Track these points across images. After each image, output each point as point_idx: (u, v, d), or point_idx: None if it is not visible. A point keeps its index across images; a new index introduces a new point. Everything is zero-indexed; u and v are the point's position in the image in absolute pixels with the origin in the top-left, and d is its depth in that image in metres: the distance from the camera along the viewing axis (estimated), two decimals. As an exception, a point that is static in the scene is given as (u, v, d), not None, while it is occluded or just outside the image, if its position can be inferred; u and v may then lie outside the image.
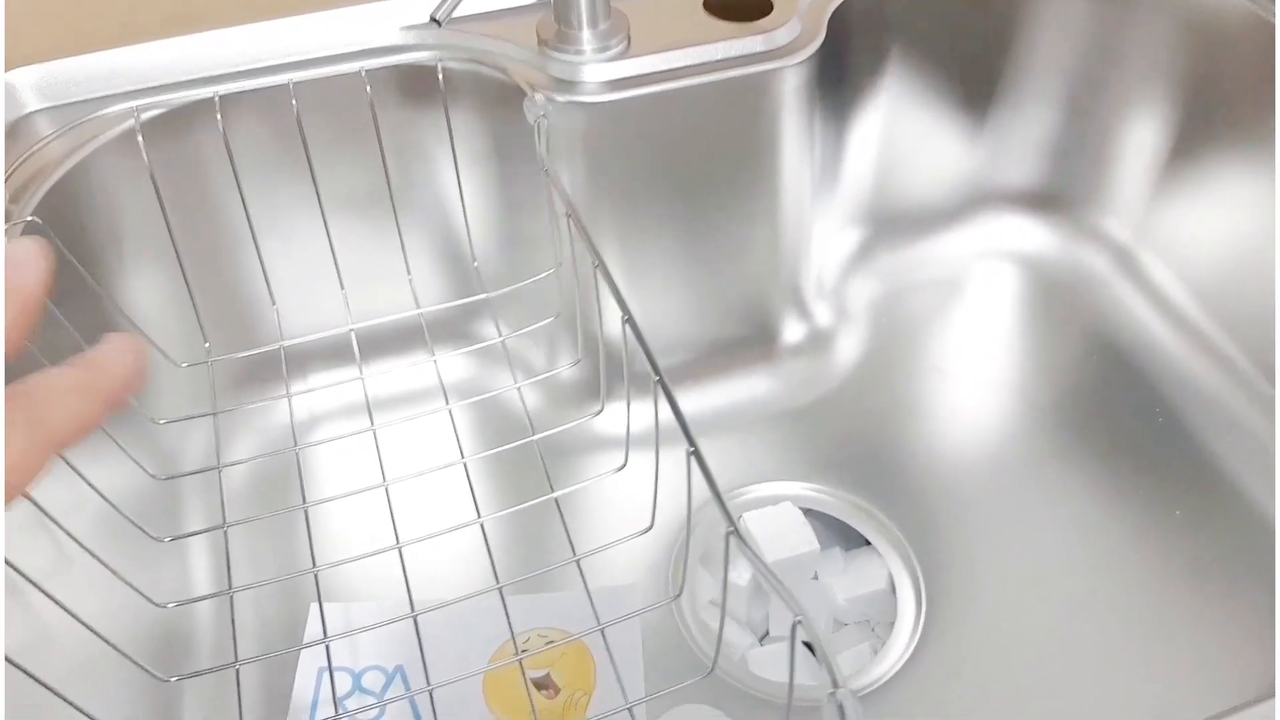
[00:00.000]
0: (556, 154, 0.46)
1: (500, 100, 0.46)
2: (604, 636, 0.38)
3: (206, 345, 0.47)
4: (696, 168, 0.48)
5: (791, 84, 0.47)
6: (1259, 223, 0.49)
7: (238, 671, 0.36)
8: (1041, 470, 0.52)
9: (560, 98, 0.45)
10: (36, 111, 0.44)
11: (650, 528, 0.39)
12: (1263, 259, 0.50)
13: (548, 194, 0.44)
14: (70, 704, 0.27)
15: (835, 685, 0.23)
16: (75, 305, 0.37)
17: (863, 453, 0.53)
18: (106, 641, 0.30)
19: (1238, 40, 0.49)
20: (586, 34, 0.45)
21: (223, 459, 0.48)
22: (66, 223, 0.41)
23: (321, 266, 0.49)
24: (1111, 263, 0.58)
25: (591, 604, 0.39)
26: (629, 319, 0.32)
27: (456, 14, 0.44)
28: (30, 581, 0.28)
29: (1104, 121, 0.55)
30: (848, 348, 0.57)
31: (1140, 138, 0.54)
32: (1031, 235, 0.60)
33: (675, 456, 0.32)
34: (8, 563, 0.28)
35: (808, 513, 0.51)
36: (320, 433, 0.53)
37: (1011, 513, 0.50)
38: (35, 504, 0.30)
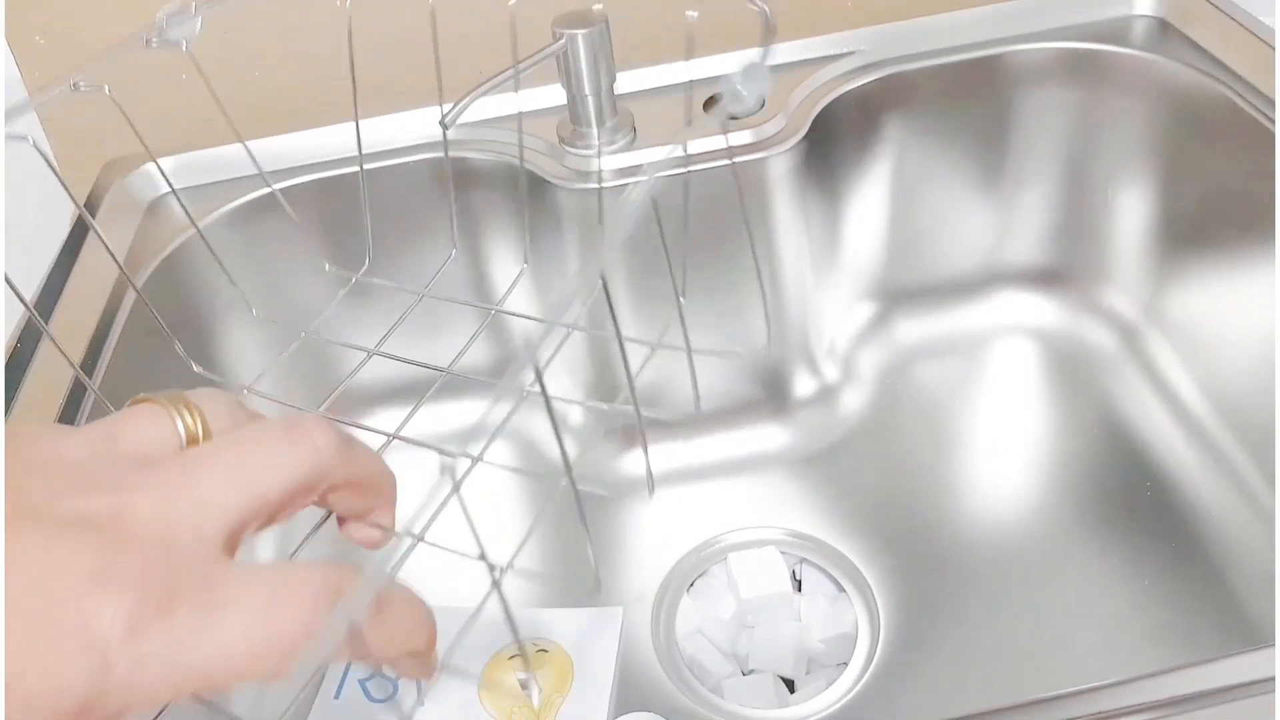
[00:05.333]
0: (577, 236, 0.55)
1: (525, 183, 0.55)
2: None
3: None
4: (701, 241, 0.55)
5: (778, 169, 0.53)
6: (1262, 317, 0.51)
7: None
8: (1027, 534, 0.54)
9: (578, 185, 0.53)
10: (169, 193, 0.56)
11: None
12: (1266, 356, 0.51)
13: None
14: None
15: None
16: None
17: (859, 506, 0.57)
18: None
19: (1213, 122, 0.51)
20: (596, 130, 0.53)
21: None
22: (181, 282, 0.53)
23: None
24: (1119, 342, 0.60)
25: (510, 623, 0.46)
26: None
27: (491, 115, 0.54)
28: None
29: (1099, 199, 0.58)
30: (857, 407, 0.61)
31: (1133, 215, 0.57)
32: (1042, 311, 0.62)
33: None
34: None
35: (802, 560, 0.56)
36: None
37: (986, 567, 0.53)
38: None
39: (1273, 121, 0.49)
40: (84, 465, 0.19)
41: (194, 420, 0.21)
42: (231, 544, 0.20)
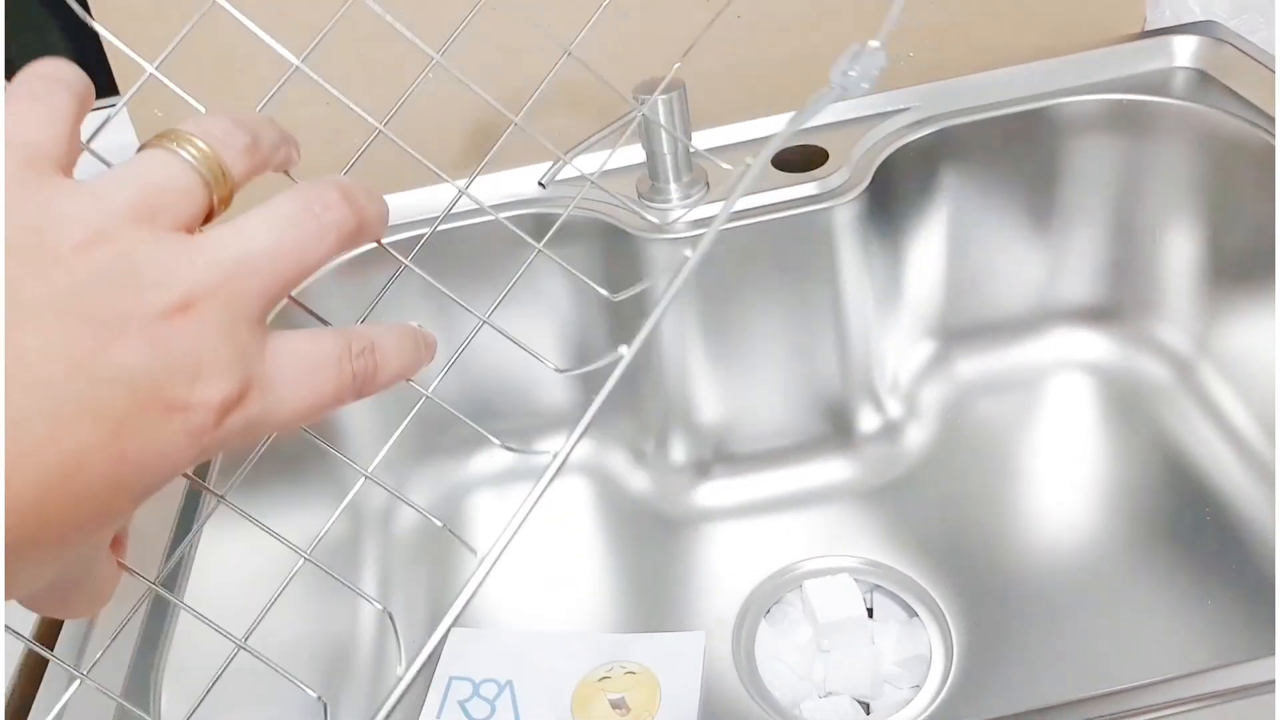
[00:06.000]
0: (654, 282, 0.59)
1: (609, 235, 0.59)
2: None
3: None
4: (769, 287, 0.59)
5: (843, 218, 0.57)
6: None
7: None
8: (1091, 558, 0.57)
9: (656, 236, 0.57)
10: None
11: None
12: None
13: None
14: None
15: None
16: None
17: (927, 535, 0.60)
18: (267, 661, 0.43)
19: (1253, 165, 0.55)
20: (673, 186, 0.57)
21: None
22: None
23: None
24: (1173, 374, 0.63)
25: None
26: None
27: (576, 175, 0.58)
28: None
29: (1147, 239, 0.61)
30: (921, 441, 0.64)
31: (1182, 254, 0.60)
32: (1096, 346, 0.65)
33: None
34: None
35: (875, 586, 0.59)
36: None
37: (1053, 590, 0.55)
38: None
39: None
40: (138, 258, 0.20)
41: (212, 161, 0.23)
42: (267, 318, 0.23)
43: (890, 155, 0.59)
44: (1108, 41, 0.63)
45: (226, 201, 0.23)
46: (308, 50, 0.30)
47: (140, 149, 0.23)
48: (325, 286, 0.59)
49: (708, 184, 0.58)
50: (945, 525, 0.60)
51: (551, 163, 0.50)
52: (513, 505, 0.63)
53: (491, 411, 0.65)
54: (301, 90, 0.32)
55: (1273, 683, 0.34)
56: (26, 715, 0.41)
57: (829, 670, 0.55)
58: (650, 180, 0.57)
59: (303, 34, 0.33)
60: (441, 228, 0.59)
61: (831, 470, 0.64)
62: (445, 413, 0.35)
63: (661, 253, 0.57)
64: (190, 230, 0.22)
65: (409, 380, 0.26)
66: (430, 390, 0.29)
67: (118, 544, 0.24)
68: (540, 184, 0.48)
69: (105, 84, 0.64)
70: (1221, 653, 0.51)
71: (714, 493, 0.64)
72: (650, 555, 0.61)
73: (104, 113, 0.69)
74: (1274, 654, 0.35)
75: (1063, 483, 0.61)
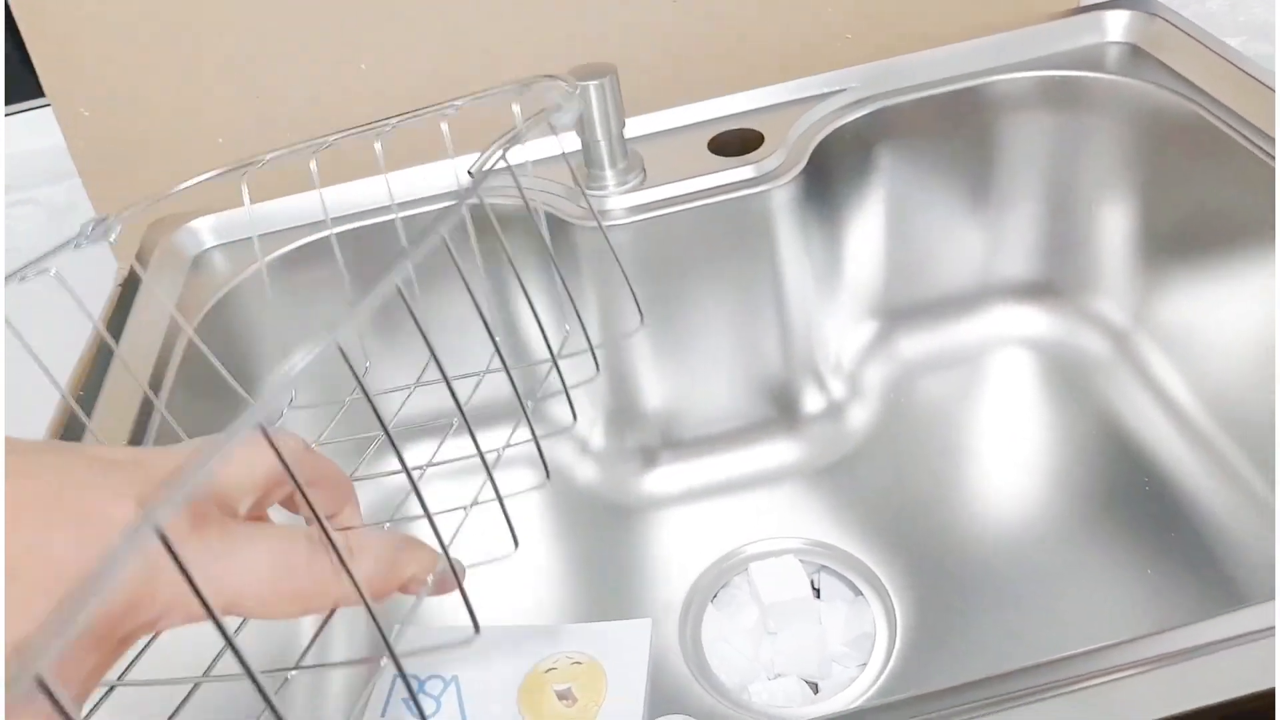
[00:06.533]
0: (594, 270, 0.58)
1: (548, 223, 0.58)
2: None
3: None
4: (709, 272, 0.59)
5: (780, 200, 0.57)
6: (1251, 320, 0.54)
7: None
8: (1033, 531, 0.57)
9: (594, 224, 0.57)
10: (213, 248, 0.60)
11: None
12: (1255, 355, 0.54)
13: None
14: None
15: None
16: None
17: (871, 514, 0.60)
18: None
19: (1185, 138, 0.55)
20: (609, 172, 0.56)
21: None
22: (227, 329, 0.57)
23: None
24: (1111, 347, 0.64)
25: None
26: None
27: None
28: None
29: (1083, 214, 0.62)
30: (865, 420, 0.65)
31: (1117, 227, 0.61)
32: (1036, 321, 0.66)
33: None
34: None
35: (821, 567, 0.59)
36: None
37: (995, 563, 0.56)
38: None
39: (1243, 136, 0.52)
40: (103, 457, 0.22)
41: None
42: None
43: (827, 137, 0.58)
44: (1043, 18, 0.63)
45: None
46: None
47: None
48: (259, 283, 0.58)
49: (644, 169, 0.57)
50: (889, 504, 0.60)
51: (480, 152, 0.49)
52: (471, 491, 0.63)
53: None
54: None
55: (1214, 643, 0.34)
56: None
57: (776, 652, 0.56)
58: (586, 168, 0.57)
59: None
60: (385, 219, 0.58)
61: (777, 452, 0.64)
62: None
63: (598, 240, 0.57)
64: None
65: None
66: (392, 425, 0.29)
67: None
68: (470, 174, 0.48)
69: (31, 85, 0.63)
70: (1163, 620, 0.52)
71: (661, 479, 0.64)
72: (598, 544, 0.61)
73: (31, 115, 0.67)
74: (1209, 620, 0.35)
75: (1005, 456, 0.61)
